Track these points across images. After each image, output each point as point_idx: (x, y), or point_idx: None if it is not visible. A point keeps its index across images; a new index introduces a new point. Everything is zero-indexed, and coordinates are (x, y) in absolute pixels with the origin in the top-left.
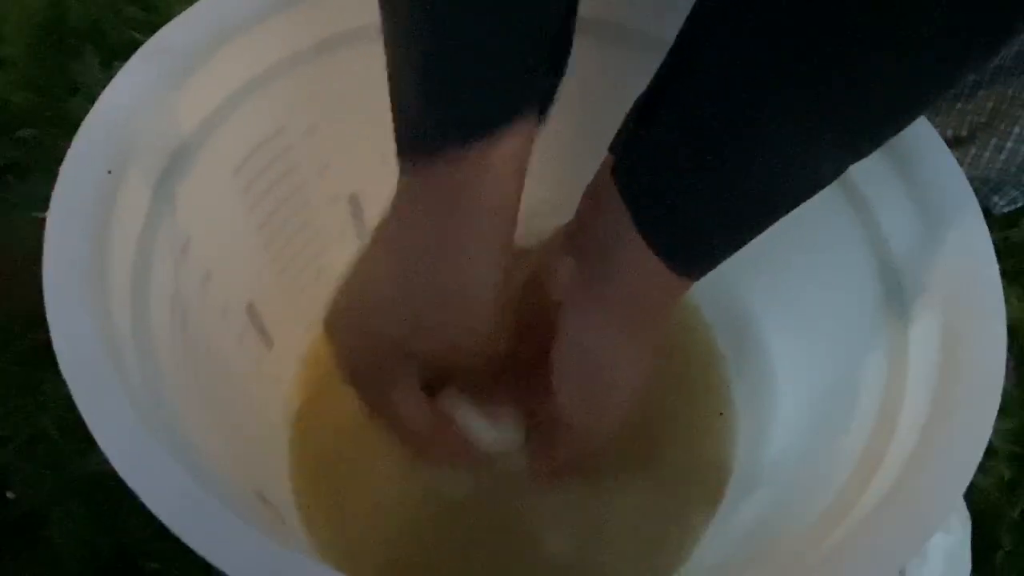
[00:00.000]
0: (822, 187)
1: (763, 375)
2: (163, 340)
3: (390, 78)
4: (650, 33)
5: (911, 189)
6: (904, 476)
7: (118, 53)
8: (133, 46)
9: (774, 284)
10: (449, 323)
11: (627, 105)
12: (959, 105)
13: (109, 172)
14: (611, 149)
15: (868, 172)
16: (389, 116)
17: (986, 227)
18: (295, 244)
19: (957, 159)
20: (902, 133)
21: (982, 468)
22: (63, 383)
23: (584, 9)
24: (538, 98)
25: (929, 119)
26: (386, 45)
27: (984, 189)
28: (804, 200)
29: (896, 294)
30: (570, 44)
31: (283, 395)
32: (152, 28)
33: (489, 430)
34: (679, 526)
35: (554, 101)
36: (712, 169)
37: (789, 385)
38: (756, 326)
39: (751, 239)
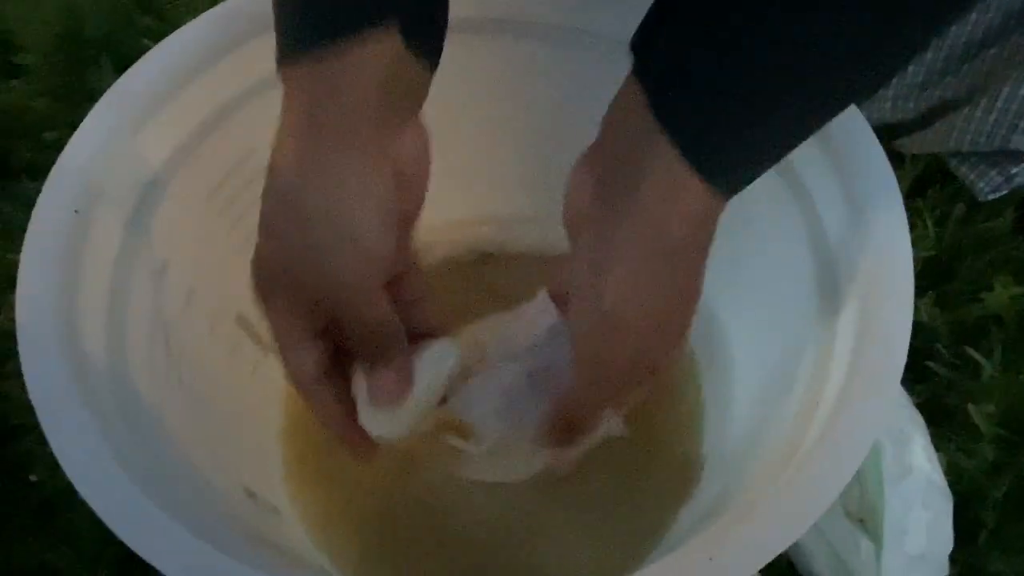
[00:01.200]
0: (861, 93)
1: (725, 365)
2: (142, 361)
3: None
4: (616, 37)
5: (844, 183)
6: (828, 427)
7: (132, 61)
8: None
9: (731, 279)
10: (340, 236)
11: (600, 110)
12: (965, 66)
13: (76, 212)
14: (632, 47)
15: (811, 168)
16: None
17: (904, 215)
18: None
19: (953, 123)
20: (838, 127)
21: (967, 450)
22: None
23: (548, 15)
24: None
25: (938, 79)
26: None
27: (970, 176)
28: (841, 103)
29: (830, 279)
30: None
31: (278, 395)
32: (164, 37)
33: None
34: (652, 514)
35: (441, 35)
36: (738, 50)
37: (745, 372)
38: (717, 320)
39: (785, 146)
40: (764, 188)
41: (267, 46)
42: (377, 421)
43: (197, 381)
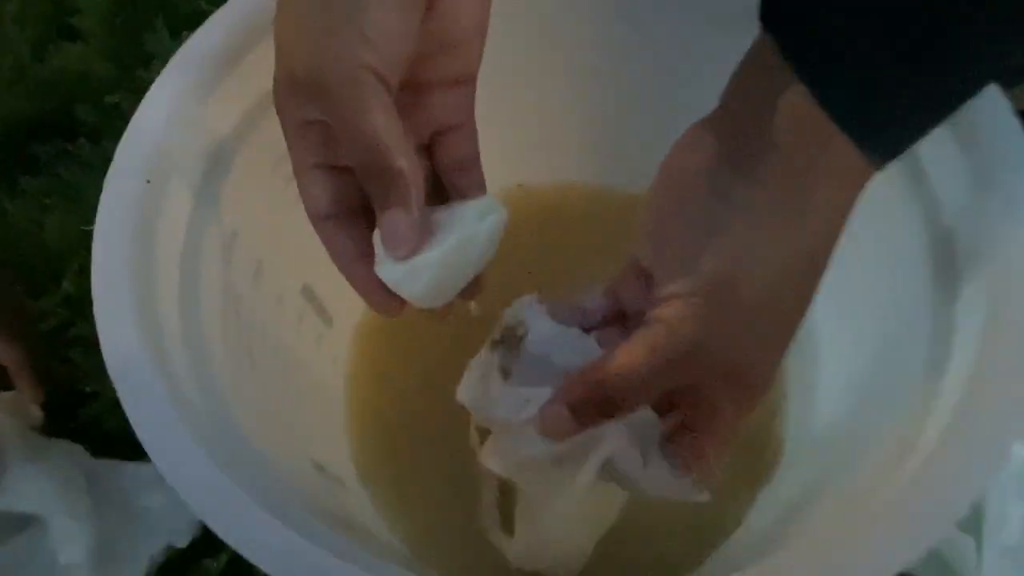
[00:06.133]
0: None
1: (809, 349)
2: (215, 332)
3: None
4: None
5: (966, 152)
6: (953, 425)
7: (187, 23)
8: (200, 16)
9: None
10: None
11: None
12: None
13: (148, 182)
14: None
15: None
16: None
17: None
18: None
19: None
20: None
21: None
22: None
23: None
24: None
25: None
26: None
27: None
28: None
29: (947, 263)
30: None
31: (342, 367)
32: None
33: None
34: (729, 498)
35: None
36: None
37: (833, 360)
38: None
39: (953, 101)
40: None
41: None
42: (390, 268)
43: (265, 354)
